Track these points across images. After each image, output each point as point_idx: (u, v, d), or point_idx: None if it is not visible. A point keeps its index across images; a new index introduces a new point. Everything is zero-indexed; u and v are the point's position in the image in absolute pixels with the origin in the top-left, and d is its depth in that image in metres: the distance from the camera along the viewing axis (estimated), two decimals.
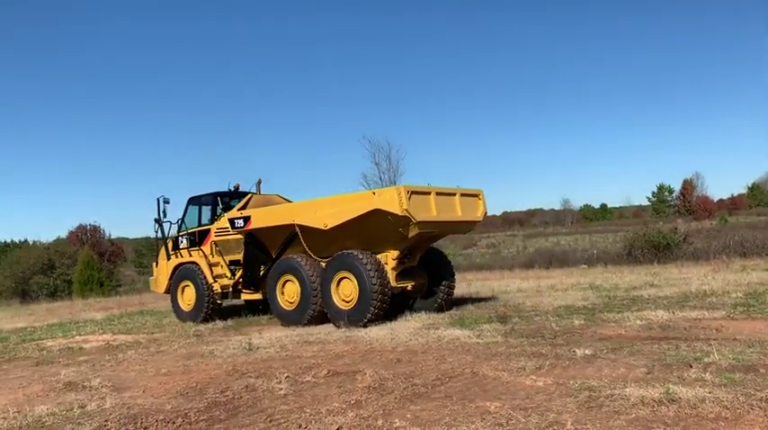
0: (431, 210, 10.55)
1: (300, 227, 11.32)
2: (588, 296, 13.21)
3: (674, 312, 9.82)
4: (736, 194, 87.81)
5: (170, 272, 14.14)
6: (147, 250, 59.30)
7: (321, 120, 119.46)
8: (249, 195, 13.52)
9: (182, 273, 13.81)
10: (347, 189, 39.03)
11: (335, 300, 10.92)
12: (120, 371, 8.11)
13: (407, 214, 10.00)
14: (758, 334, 7.58)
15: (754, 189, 75.36)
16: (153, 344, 10.50)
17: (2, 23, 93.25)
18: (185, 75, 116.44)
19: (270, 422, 5.15)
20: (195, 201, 14.24)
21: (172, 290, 14.02)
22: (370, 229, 10.63)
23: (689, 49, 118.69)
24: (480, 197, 11.91)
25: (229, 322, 13.19)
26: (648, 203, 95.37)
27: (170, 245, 14.49)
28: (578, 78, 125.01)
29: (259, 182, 14.57)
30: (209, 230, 13.60)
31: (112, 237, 54.48)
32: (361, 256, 10.58)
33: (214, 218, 13.69)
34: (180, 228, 14.35)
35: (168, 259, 14.38)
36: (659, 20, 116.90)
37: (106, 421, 5.45)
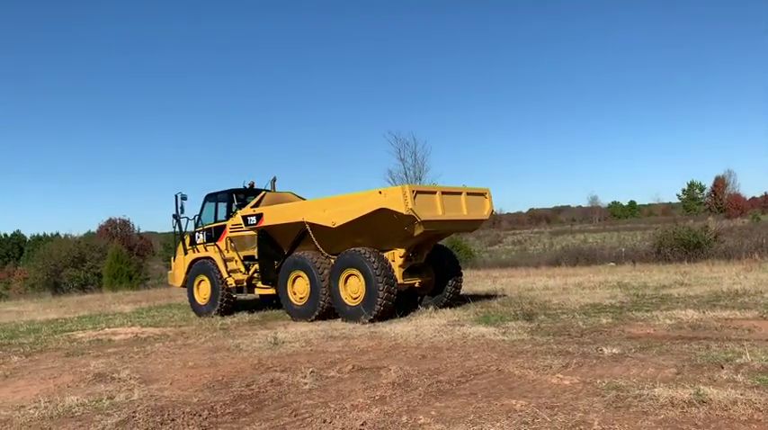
0: (436, 209, 10.70)
1: (310, 224, 11.54)
2: (616, 294, 13.04)
3: (704, 312, 9.64)
4: None
5: (187, 266, 14.52)
6: (174, 244, 60.06)
7: (345, 119, 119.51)
8: (263, 193, 13.73)
9: (198, 268, 14.18)
10: (373, 185, 38.96)
11: (343, 297, 11.15)
12: (148, 363, 8.21)
13: (412, 213, 10.17)
14: None
15: None
16: (180, 337, 10.63)
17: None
18: (212, 76, 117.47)
19: (294, 416, 5.16)
20: (212, 197, 14.48)
21: (188, 284, 14.38)
22: (377, 228, 10.84)
23: (721, 45, 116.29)
24: (487, 196, 12.01)
25: (255, 316, 13.28)
26: (679, 201, 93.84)
27: (187, 240, 14.88)
28: (609, 74, 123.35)
29: (274, 179, 14.86)
30: (224, 226, 13.83)
31: (141, 231, 55.29)
32: (367, 254, 10.80)
33: (229, 214, 13.94)
34: (197, 224, 14.64)
35: (185, 254, 14.74)
36: (693, 13, 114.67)
37: (134, 412, 5.53)
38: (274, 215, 12.31)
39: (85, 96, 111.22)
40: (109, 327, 12.77)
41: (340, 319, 11.29)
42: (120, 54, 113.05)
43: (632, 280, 16.56)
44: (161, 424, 5.16)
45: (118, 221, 52.09)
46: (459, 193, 11.38)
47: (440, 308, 11.88)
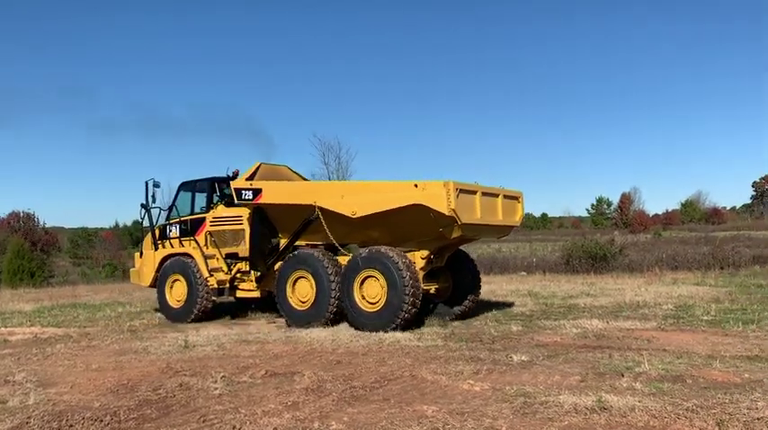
0: (475, 212, 9.74)
1: (323, 210, 10.26)
2: (526, 303, 13.46)
3: (608, 322, 10.10)
4: (670, 210, 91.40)
5: (157, 263, 12.74)
6: (83, 240, 57.43)
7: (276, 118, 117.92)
8: (258, 164, 11.87)
9: (171, 266, 12.47)
10: None
11: (358, 301, 9.90)
12: (48, 365, 7.78)
13: (454, 214, 9.18)
14: (686, 345, 7.86)
15: (686, 205, 78.65)
16: (84, 338, 10.13)
17: None
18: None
19: (203, 422, 5.03)
20: (188, 186, 13.02)
21: (159, 284, 12.60)
22: (404, 224, 9.84)
23: (628, 63, 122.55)
24: (520, 200, 11.18)
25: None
26: (588, 215, 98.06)
27: (156, 234, 13.21)
28: (526, 92, 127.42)
29: (235, 173, 13.19)
30: (203, 219, 12.45)
31: (47, 225, 52.52)
32: (391, 254, 9.62)
33: (210, 205, 12.61)
34: (168, 215, 13.09)
35: (156, 249, 13.01)
36: (593, 30, 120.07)
37: (28, 418, 5.22)
38: (277, 192, 10.92)
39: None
40: (5, 327, 12.01)
41: (285, 323, 10.69)
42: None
43: (542, 289, 17.13)
44: None
45: (21, 215, 49.29)
46: (497, 195, 10.46)
47: (457, 318, 10.89)
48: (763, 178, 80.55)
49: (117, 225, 68.20)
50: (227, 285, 12.01)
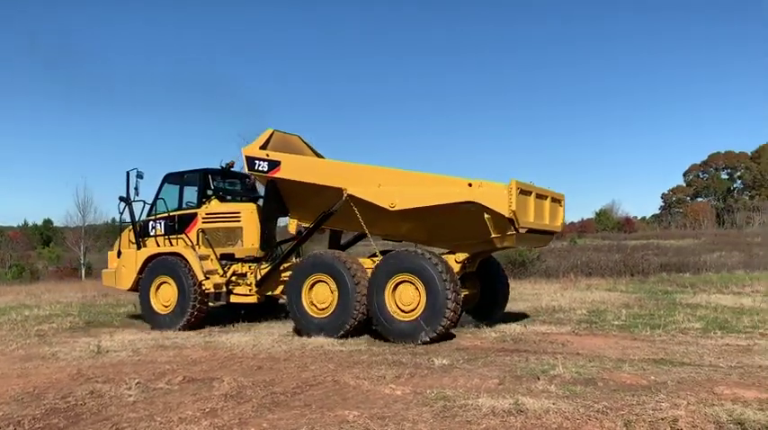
0: (529, 215, 8.96)
1: (353, 199, 9.30)
2: None
3: (525, 326, 10.41)
4: (585, 218, 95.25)
5: (140, 264, 11.42)
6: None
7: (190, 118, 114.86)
8: (271, 131, 10.66)
9: (158, 267, 11.21)
10: None
11: (390, 309, 8.97)
12: None
13: (514, 217, 8.46)
14: (598, 349, 8.21)
15: (600, 214, 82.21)
16: None
17: None
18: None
19: None
20: (175, 178, 11.87)
21: (142, 287, 11.31)
22: (447, 223, 9.10)
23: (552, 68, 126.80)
24: (562, 203, 10.31)
25: (78, 322, 12.31)
26: None
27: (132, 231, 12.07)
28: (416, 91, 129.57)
29: (231, 163, 12.39)
30: (194, 215, 11.38)
31: None
32: (429, 257, 8.77)
33: (201, 200, 11.52)
34: (151, 210, 11.89)
35: (138, 248, 11.75)
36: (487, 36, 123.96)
37: None
38: (298, 168, 9.81)
39: None
40: None
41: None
42: None
43: None
44: None
45: None
46: (546, 197, 9.59)
47: (483, 326, 10.21)
48: (671, 190, 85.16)
49: (26, 224, 64.94)
50: (224, 289, 11.09)
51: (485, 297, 10.60)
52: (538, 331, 9.91)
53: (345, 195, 9.39)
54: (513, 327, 10.15)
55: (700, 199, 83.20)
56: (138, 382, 6.41)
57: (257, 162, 10.14)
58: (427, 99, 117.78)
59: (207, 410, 5.37)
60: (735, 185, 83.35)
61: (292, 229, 10.73)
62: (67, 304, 16.31)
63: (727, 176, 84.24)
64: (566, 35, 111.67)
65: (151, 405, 5.61)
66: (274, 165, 10.00)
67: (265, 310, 12.16)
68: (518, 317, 11.74)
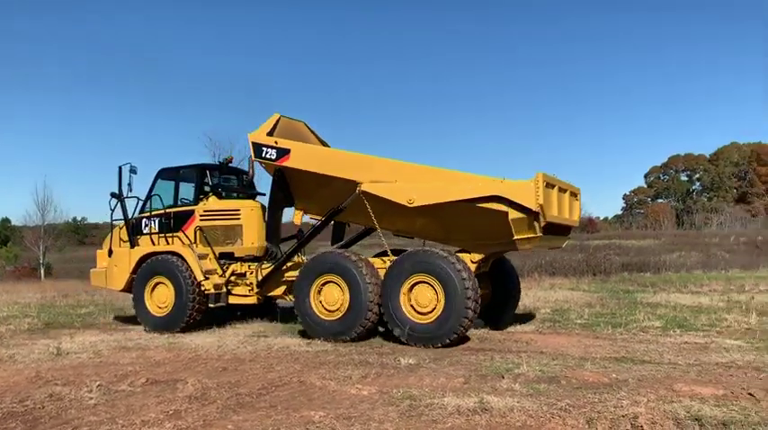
0: (553, 208, 8.55)
1: (366, 195, 8.94)
2: None
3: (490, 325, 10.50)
4: None
5: (134, 263, 11.01)
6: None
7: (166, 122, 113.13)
8: (277, 116, 10.17)
9: (153, 266, 10.76)
10: None
11: (405, 310, 8.64)
12: None
13: (541, 210, 8.10)
14: (561, 348, 8.33)
15: None
16: None
17: None
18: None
19: None
20: (169, 174, 11.46)
21: (136, 287, 10.89)
22: (466, 221, 8.79)
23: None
24: (578, 197, 9.93)
25: (37, 323, 12.01)
26: None
27: (124, 229, 11.62)
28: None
29: (229, 159, 12.27)
30: (191, 213, 11.03)
31: None
32: (447, 256, 8.43)
33: (199, 197, 11.21)
34: (144, 207, 11.46)
35: (131, 246, 11.30)
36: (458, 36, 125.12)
37: None
38: (310, 157, 9.35)
39: None
40: None
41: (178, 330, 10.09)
42: None
43: None
44: None
45: None
46: (566, 191, 9.21)
47: (495, 328, 10.03)
48: (632, 191, 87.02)
49: None
50: (224, 289, 10.75)
51: (496, 297, 10.28)
52: (502, 330, 10.01)
53: (359, 190, 9.03)
54: (479, 327, 10.23)
55: (660, 200, 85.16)
56: (99, 385, 6.28)
57: (265, 149, 9.66)
58: (427, 99, 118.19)
59: (170, 412, 5.30)
60: (694, 187, 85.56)
61: (298, 221, 10.41)
62: (26, 305, 15.92)
63: (686, 178, 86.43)
64: (521, 35, 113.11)
65: (113, 408, 5.51)
66: (283, 152, 9.53)
67: (264, 311, 11.96)
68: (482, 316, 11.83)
